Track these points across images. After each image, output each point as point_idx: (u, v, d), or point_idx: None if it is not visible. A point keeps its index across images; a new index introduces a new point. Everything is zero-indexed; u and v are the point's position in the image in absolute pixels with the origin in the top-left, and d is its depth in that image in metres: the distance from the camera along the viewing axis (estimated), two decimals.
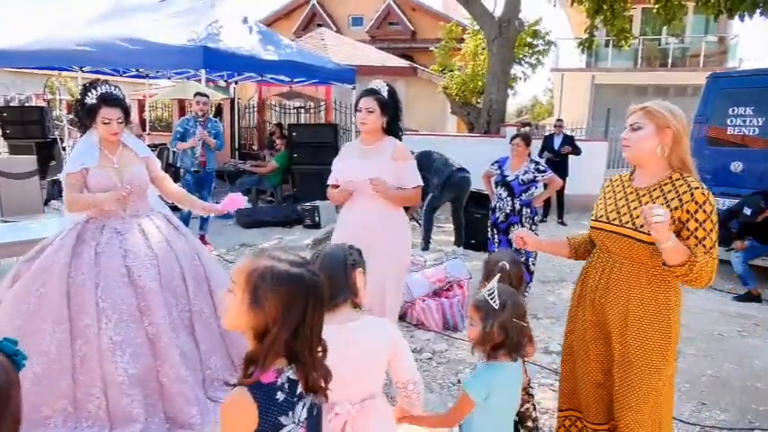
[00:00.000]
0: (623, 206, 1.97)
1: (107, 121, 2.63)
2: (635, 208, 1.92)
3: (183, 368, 2.58)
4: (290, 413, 1.24)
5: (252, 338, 1.23)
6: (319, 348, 1.27)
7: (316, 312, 1.24)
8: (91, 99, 2.63)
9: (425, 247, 6.63)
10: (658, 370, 1.92)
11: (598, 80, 17.45)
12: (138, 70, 9.93)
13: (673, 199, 1.86)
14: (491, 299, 1.74)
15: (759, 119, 5.85)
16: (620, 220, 1.94)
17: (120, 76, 10.46)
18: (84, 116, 2.67)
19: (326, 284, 1.30)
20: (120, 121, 2.66)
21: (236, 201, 3.05)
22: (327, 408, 1.49)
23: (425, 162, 6.56)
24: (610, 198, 2.06)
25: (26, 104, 15.65)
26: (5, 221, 4.98)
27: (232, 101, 12.17)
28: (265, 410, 1.20)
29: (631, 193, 1.98)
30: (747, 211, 5.34)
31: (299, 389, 1.26)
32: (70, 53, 7.86)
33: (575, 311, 2.15)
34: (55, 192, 8.55)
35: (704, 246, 1.80)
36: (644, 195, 1.94)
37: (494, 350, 1.76)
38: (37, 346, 2.39)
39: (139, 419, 2.40)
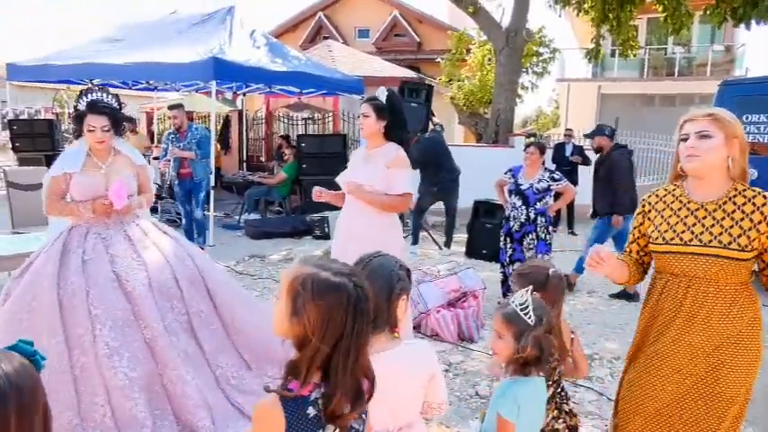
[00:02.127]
0: (694, 224, 1.80)
1: (92, 129, 2.59)
2: (711, 225, 1.77)
3: (186, 370, 2.53)
4: (321, 431, 1.18)
5: (294, 347, 1.19)
6: (357, 371, 1.18)
7: (358, 326, 1.17)
8: (81, 106, 2.62)
9: (414, 242, 6.98)
10: (748, 391, 1.79)
11: (604, 90, 17.42)
12: (147, 83, 9.97)
13: (753, 212, 1.73)
14: (525, 313, 1.65)
15: None
16: (701, 240, 1.77)
17: (129, 88, 10.51)
18: (75, 122, 2.66)
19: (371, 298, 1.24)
20: (105, 129, 2.61)
21: (119, 188, 2.64)
22: None
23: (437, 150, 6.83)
24: (671, 217, 1.86)
25: (35, 118, 15.76)
26: (17, 233, 4.96)
27: (240, 113, 12.21)
28: (294, 424, 1.16)
29: (697, 209, 1.81)
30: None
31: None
32: (81, 67, 7.90)
33: (645, 350, 1.91)
34: None
35: None
36: (715, 210, 1.78)
37: (524, 366, 1.67)
38: None
39: (146, 423, 2.35)
